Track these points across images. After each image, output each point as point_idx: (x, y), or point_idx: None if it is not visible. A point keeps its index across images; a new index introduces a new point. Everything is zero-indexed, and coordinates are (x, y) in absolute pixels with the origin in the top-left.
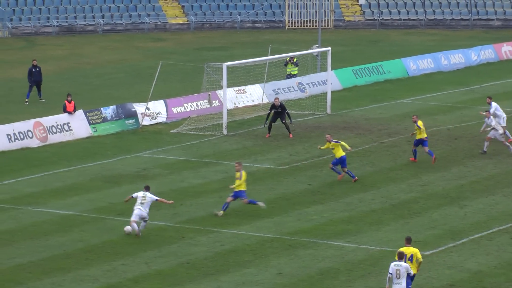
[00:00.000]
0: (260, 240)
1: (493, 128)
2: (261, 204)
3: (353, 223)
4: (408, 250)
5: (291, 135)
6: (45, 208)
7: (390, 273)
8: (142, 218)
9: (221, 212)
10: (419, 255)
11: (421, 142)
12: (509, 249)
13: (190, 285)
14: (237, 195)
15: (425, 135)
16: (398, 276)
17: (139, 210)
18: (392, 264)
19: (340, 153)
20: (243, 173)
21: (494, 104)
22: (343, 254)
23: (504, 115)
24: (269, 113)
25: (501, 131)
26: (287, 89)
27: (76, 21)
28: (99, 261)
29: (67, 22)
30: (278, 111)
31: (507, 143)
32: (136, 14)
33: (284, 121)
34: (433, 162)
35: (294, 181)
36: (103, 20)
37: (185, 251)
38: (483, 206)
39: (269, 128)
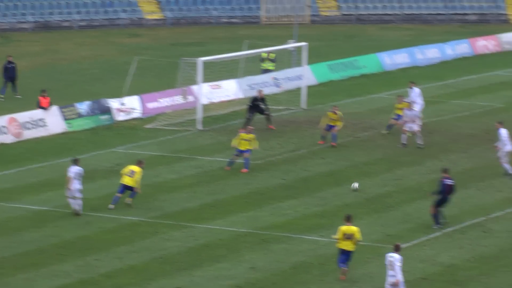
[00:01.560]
0: (234, 235)
1: (412, 120)
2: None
3: (326, 217)
4: (349, 229)
5: (273, 127)
6: (19, 204)
7: (386, 264)
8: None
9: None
10: (358, 235)
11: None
12: (482, 243)
13: (163, 280)
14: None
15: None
16: (391, 267)
17: (78, 185)
18: (387, 255)
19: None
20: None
21: (417, 89)
22: (317, 248)
23: (423, 103)
24: (249, 106)
25: (419, 123)
26: (263, 84)
27: (51, 17)
28: (72, 257)
29: (42, 18)
30: (258, 103)
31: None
32: (112, 10)
33: (267, 113)
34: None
35: (268, 176)
36: (79, 16)
37: (159, 246)
38: (456, 200)
39: (247, 122)
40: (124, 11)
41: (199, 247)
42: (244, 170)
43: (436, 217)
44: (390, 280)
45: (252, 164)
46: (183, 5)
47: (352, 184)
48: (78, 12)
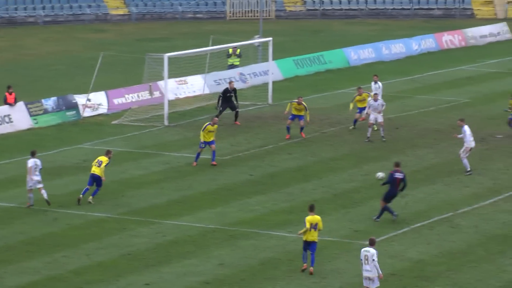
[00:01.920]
0: (202, 231)
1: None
2: None
3: (294, 213)
4: (314, 218)
5: (238, 123)
6: None
7: (361, 259)
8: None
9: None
10: (320, 224)
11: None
12: (450, 238)
13: (132, 277)
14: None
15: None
16: (367, 262)
17: (37, 177)
18: (362, 249)
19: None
20: None
21: (380, 84)
22: (285, 244)
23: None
24: (220, 97)
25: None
26: (229, 80)
27: (16, 13)
28: (40, 253)
29: (7, 13)
30: (231, 95)
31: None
32: (77, 5)
33: (237, 110)
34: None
35: (236, 172)
36: (44, 12)
37: (127, 243)
38: (423, 195)
39: (219, 114)
40: (89, 6)
41: (167, 244)
42: (214, 162)
43: (387, 209)
44: (365, 274)
45: (219, 160)
46: (148, 0)
47: (377, 174)
48: (43, 8)
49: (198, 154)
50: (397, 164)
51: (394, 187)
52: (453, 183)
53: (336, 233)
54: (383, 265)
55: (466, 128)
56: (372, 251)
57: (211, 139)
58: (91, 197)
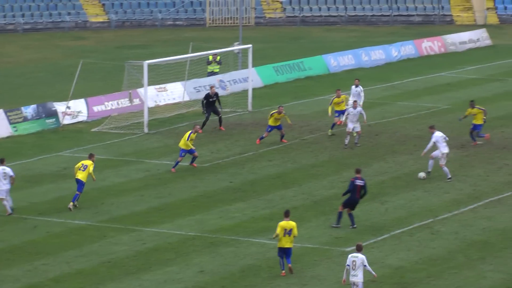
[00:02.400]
0: (182, 238)
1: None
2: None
3: (274, 220)
4: (288, 224)
5: (222, 128)
6: None
7: (347, 265)
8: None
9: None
10: (295, 230)
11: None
12: (430, 245)
13: (112, 284)
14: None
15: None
16: (354, 268)
17: (5, 186)
18: (350, 255)
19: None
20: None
21: (361, 88)
22: (265, 251)
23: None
24: (203, 101)
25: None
26: (209, 87)
27: None
28: (20, 261)
29: None
30: (213, 100)
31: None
32: (56, 12)
33: (220, 115)
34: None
35: (216, 179)
36: (23, 19)
37: (107, 250)
38: (404, 202)
39: (205, 122)
40: (69, 14)
41: (147, 251)
42: (194, 164)
43: (339, 216)
44: (352, 279)
45: (199, 167)
46: (127, 8)
47: (419, 175)
48: (23, 15)
49: (178, 162)
50: (357, 171)
51: (355, 194)
52: (433, 190)
53: (316, 239)
54: (363, 271)
55: (438, 133)
56: (361, 256)
57: (192, 147)
58: (72, 202)
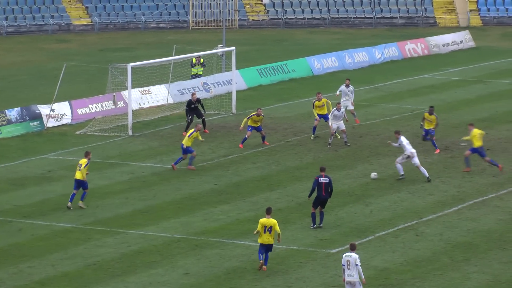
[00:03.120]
0: (167, 241)
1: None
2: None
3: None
4: (268, 221)
5: (207, 131)
6: None
7: (343, 265)
8: None
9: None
10: (277, 227)
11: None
12: (415, 246)
13: (97, 287)
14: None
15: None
16: (349, 267)
17: None
18: (344, 255)
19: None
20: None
21: (352, 88)
22: (250, 254)
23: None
24: (186, 109)
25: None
26: (192, 89)
27: None
28: (5, 264)
29: None
30: (195, 106)
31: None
32: (39, 15)
33: (203, 117)
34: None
35: (200, 181)
36: (6, 22)
37: (92, 253)
38: (388, 204)
39: (188, 125)
40: (52, 16)
41: (132, 253)
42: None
43: (313, 217)
44: (347, 279)
45: (184, 169)
46: (110, 10)
47: (372, 175)
48: (6, 18)
49: (181, 158)
50: (322, 169)
51: (321, 191)
52: (418, 191)
53: (301, 241)
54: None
55: (403, 139)
56: (354, 255)
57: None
58: (80, 201)
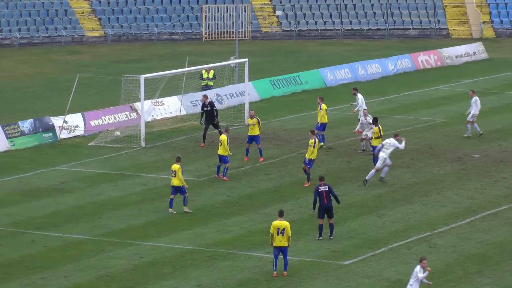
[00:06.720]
0: (180, 252)
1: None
2: None
3: None
4: (281, 223)
5: (202, 145)
6: None
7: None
8: None
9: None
10: (288, 230)
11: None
12: (428, 258)
13: None
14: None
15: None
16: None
17: None
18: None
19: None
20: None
21: (360, 95)
22: (263, 265)
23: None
24: (202, 112)
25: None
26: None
27: None
28: (18, 276)
29: None
30: (208, 109)
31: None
32: (52, 27)
33: (215, 122)
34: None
35: (213, 193)
36: (19, 34)
37: (104, 264)
38: (401, 215)
39: (204, 137)
40: (65, 28)
41: (145, 265)
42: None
43: (320, 229)
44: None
45: (197, 181)
46: (123, 22)
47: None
48: (19, 30)
49: (226, 168)
50: (321, 178)
51: (322, 200)
52: (431, 203)
53: (314, 253)
54: (361, 285)
55: (391, 140)
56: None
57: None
58: (184, 206)
